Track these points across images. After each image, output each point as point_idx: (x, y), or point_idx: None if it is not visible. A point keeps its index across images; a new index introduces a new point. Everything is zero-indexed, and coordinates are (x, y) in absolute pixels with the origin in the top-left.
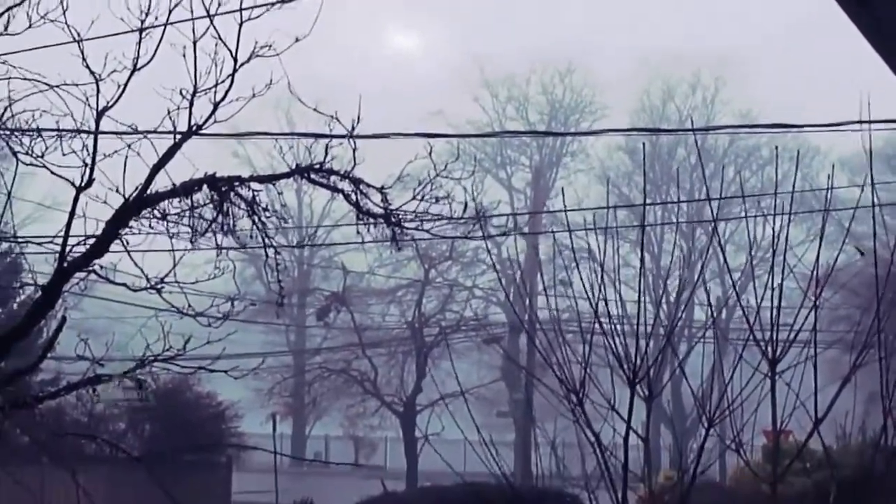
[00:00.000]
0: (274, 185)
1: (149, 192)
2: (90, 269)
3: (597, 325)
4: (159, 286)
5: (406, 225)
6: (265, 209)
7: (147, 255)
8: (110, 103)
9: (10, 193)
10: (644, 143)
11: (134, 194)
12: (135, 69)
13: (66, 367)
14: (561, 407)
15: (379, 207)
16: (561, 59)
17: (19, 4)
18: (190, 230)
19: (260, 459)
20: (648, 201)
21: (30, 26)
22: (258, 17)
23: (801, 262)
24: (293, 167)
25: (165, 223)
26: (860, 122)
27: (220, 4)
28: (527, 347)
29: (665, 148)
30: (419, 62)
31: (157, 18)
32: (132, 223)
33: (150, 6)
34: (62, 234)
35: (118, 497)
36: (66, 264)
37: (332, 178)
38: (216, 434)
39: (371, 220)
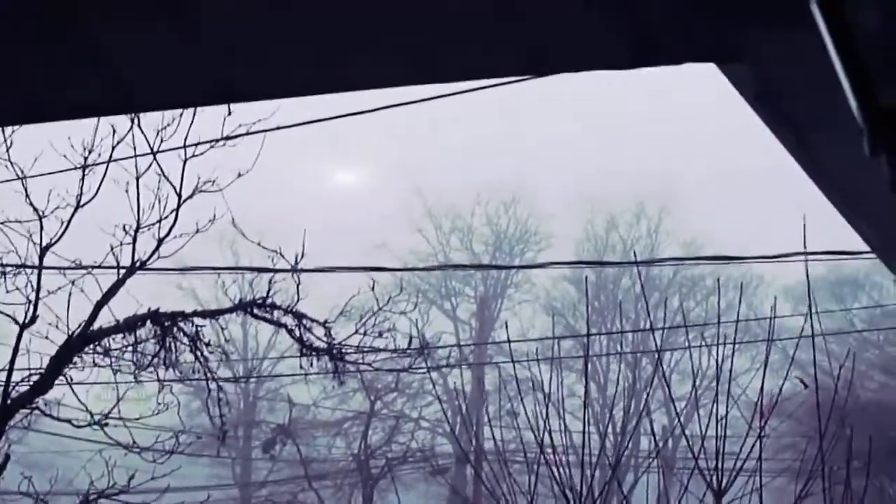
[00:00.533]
0: (217, 319)
1: (92, 328)
2: (34, 405)
3: (542, 456)
4: (103, 422)
5: (349, 358)
6: (208, 344)
7: (91, 389)
8: (54, 240)
9: None
10: (586, 276)
11: (77, 330)
12: (78, 206)
13: (10, 503)
14: None
15: (322, 341)
16: (505, 189)
17: None
18: (133, 365)
19: None
20: (593, 331)
21: None
22: (202, 154)
23: (746, 391)
24: (237, 302)
25: (109, 358)
26: (801, 253)
27: (162, 141)
28: (473, 478)
29: (610, 277)
30: (362, 196)
31: (99, 155)
32: (76, 359)
33: (93, 144)
34: (6, 370)
35: None
36: (9, 401)
37: (276, 312)
38: None
39: (314, 354)
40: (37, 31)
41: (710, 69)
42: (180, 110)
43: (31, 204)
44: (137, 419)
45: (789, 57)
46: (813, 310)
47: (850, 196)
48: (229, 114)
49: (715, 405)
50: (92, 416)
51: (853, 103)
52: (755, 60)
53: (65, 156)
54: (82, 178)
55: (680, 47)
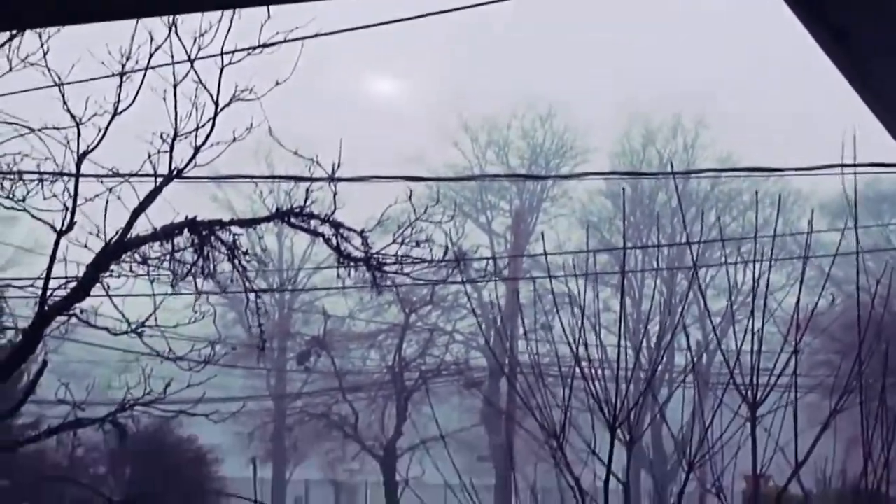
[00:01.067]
0: (254, 229)
1: (130, 236)
2: (71, 313)
3: (577, 370)
4: (140, 330)
5: (386, 269)
6: (245, 253)
7: (128, 298)
8: (91, 147)
9: None
10: (624, 188)
11: (115, 238)
12: (115, 113)
13: (47, 410)
14: (541, 451)
15: (359, 251)
16: (541, 103)
17: None
18: (170, 274)
19: None
20: (629, 245)
21: (10, 70)
22: (239, 61)
23: (782, 306)
24: (274, 211)
25: (146, 267)
26: (842, 165)
27: (199, 49)
28: (507, 392)
29: (646, 192)
30: (398, 107)
31: (137, 63)
32: (113, 267)
33: (130, 51)
34: (43, 277)
35: None
36: (46, 308)
37: (313, 222)
38: (197, 478)
39: (351, 264)
40: None
41: None
42: (219, 14)
43: (69, 110)
44: (174, 328)
45: None
46: (850, 225)
47: (893, 103)
48: (268, 17)
49: (750, 320)
50: (129, 324)
51: None
52: None
53: (102, 62)
54: (120, 85)
55: None
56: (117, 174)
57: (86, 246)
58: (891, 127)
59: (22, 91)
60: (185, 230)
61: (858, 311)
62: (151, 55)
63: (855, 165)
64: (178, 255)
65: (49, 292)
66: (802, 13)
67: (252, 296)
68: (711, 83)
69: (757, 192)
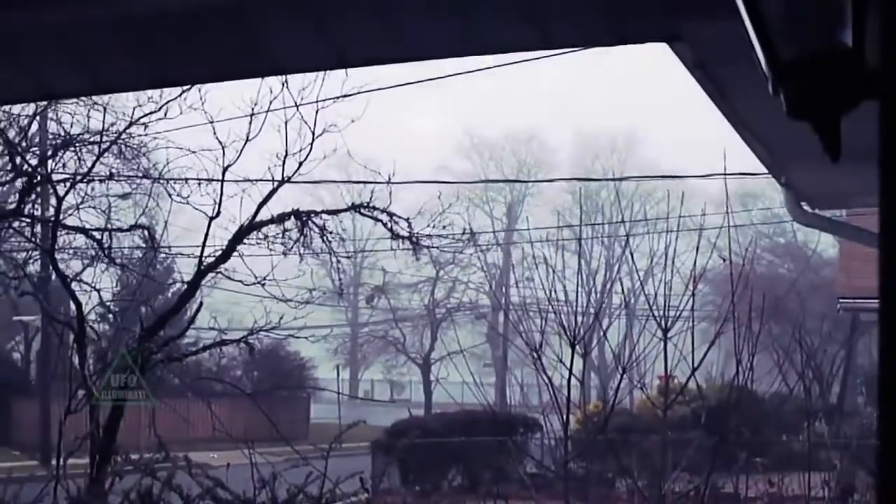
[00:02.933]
0: (337, 216)
1: (256, 221)
2: (218, 270)
3: (549, 307)
4: (262, 282)
5: (422, 242)
6: (331, 232)
7: (255, 261)
8: (232, 163)
9: (166, 222)
10: (580, 188)
11: (246, 223)
12: (247, 140)
13: (203, 334)
14: (527, 360)
15: (405, 231)
16: (525, 131)
17: (174, 100)
18: (282, 246)
19: (328, 396)
20: (583, 224)
21: (180, 113)
22: (328, 106)
23: (683, 264)
24: (350, 205)
25: (266, 241)
26: (724, 174)
27: (302, 98)
28: (503, 321)
29: (594, 191)
30: (431, 133)
31: (261, 107)
32: (245, 241)
33: (257, 98)
34: (200, 247)
35: (236, 420)
36: (202, 267)
37: (375, 211)
38: (300, 379)
39: (400, 239)
40: (212, 23)
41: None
42: (314, 76)
43: (217, 138)
44: (284, 280)
45: (718, 35)
46: (728, 210)
47: (756, 131)
48: (347, 76)
49: (663, 273)
50: (255, 278)
51: (762, 59)
52: (694, 40)
53: (238, 107)
54: (250, 122)
55: (633, 29)
56: (248, 180)
57: (227, 229)
58: (756, 151)
59: (187, 126)
60: (292, 217)
61: (731, 269)
62: (271, 102)
63: (730, 174)
64: (287, 234)
65: (204, 256)
66: (699, 76)
67: (334, 259)
68: (638, 114)
69: (668, 191)
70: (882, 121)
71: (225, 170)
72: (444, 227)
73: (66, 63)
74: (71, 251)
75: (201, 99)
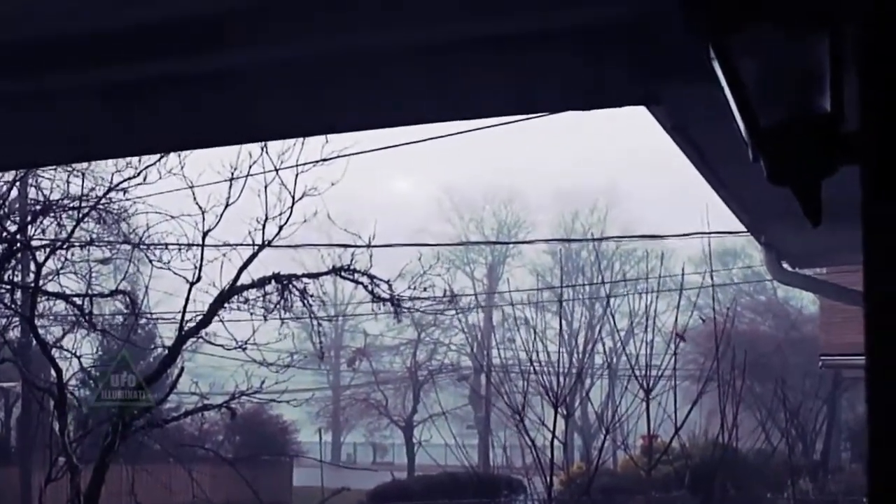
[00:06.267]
0: (318, 279)
1: (236, 285)
2: (199, 335)
3: (531, 368)
4: (244, 346)
5: (403, 305)
6: (311, 295)
7: (237, 325)
8: (212, 227)
9: (147, 287)
10: (560, 249)
11: (227, 287)
12: (227, 205)
13: (184, 399)
14: (509, 422)
15: (386, 294)
16: (505, 191)
17: (153, 165)
18: (263, 309)
19: (311, 461)
20: (564, 285)
21: (160, 178)
22: (307, 170)
23: (664, 324)
24: (330, 268)
25: (247, 305)
26: (701, 233)
27: (282, 162)
28: (485, 383)
29: (574, 251)
30: (409, 195)
31: (241, 171)
32: (226, 305)
33: (237, 163)
34: (181, 312)
35: (218, 486)
36: (183, 332)
37: (356, 274)
38: (283, 443)
39: (381, 302)
40: (191, 90)
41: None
42: (293, 141)
43: (197, 203)
44: (266, 344)
45: (696, 98)
46: (708, 269)
47: (736, 192)
48: (327, 141)
49: (645, 334)
50: (237, 342)
51: (741, 125)
52: (673, 102)
53: (218, 171)
54: (230, 187)
55: (609, 93)
56: (228, 245)
57: (207, 292)
58: (736, 211)
59: (167, 191)
60: (273, 280)
61: (715, 326)
62: (251, 166)
63: (710, 233)
64: (268, 297)
65: (185, 321)
66: (678, 139)
67: (315, 322)
68: (616, 179)
69: (647, 251)
70: (863, 184)
71: (205, 234)
72: (424, 289)
73: (51, 131)
74: (51, 317)
75: (181, 163)
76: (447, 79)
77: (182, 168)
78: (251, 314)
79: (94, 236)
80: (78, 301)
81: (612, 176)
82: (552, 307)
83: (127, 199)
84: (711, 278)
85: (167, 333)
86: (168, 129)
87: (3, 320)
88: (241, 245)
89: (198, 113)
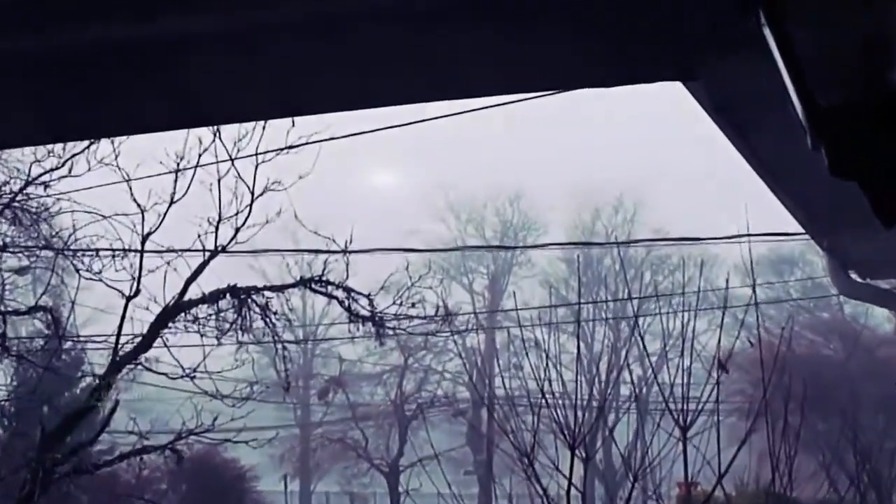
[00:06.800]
0: (283, 293)
1: (183, 300)
2: (137, 362)
3: (543, 400)
4: (192, 375)
5: (387, 324)
6: (275, 313)
7: (183, 349)
8: (153, 230)
9: (73, 302)
10: (578, 255)
11: (172, 302)
12: (172, 202)
13: (119, 440)
14: (515, 466)
15: (366, 310)
16: (511, 187)
17: (81, 153)
18: (216, 330)
19: None
20: (582, 300)
21: (89, 169)
22: (270, 160)
23: (705, 347)
24: (298, 279)
25: (197, 324)
26: (748, 235)
27: (238, 150)
28: (487, 419)
29: (595, 258)
30: (396, 192)
31: (188, 162)
32: (170, 325)
33: (184, 152)
34: (115, 334)
35: None
36: (118, 358)
37: (329, 287)
38: (239, 492)
39: (360, 321)
40: (138, 58)
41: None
42: (253, 125)
43: (135, 200)
44: (219, 372)
45: (740, 74)
46: (758, 282)
47: (790, 187)
48: (293, 126)
49: (680, 359)
50: (184, 370)
51: (798, 106)
52: (711, 79)
53: (161, 162)
54: (175, 180)
55: (646, 68)
56: (173, 250)
57: (147, 309)
58: (789, 206)
59: (98, 186)
60: (228, 294)
61: (760, 350)
62: (200, 156)
63: (759, 235)
64: (222, 315)
65: (120, 345)
66: (720, 121)
67: (280, 346)
68: (646, 168)
69: (683, 258)
70: None
71: (145, 238)
72: (413, 305)
73: None
74: None
75: (115, 152)
76: (446, 51)
77: (116, 158)
78: (201, 335)
79: (9, 240)
80: None
81: (641, 167)
82: (568, 327)
83: (49, 195)
84: (754, 290)
85: (98, 359)
86: (98, 109)
87: None
88: (190, 251)
89: (134, 89)
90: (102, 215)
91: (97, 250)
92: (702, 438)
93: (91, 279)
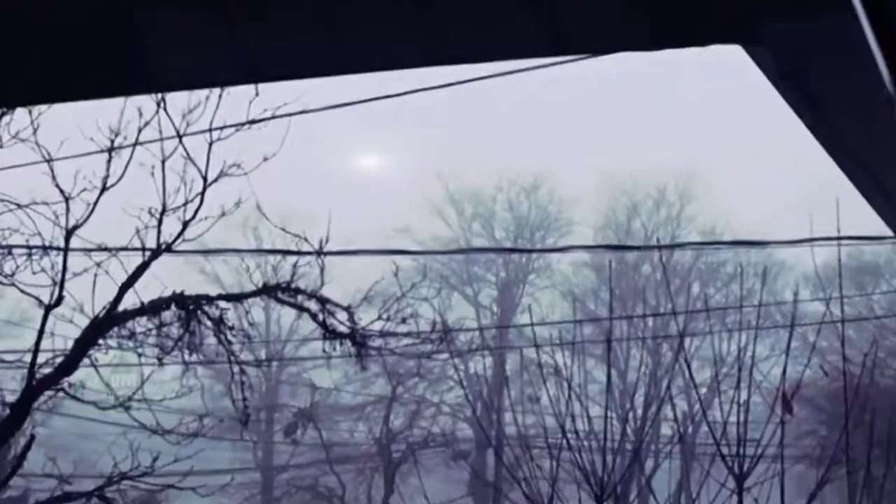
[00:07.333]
0: (241, 303)
1: (117, 310)
2: (59, 387)
3: (564, 441)
4: (127, 404)
5: (371, 343)
6: (231, 328)
7: (115, 371)
8: (80, 222)
9: None
10: (609, 261)
11: (102, 313)
12: (104, 188)
13: (35, 484)
14: None
15: (345, 326)
16: (526, 175)
17: None
18: (157, 348)
19: None
20: (614, 316)
21: (0, 146)
22: (228, 137)
23: (767, 377)
24: (260, 286)
25: (133, 341)
26: (825, 238)
27: (188, 124)
28: (494, 463)
29: (630, 265)
30: (384, 180)
31: (125, 138)
32: (101, 341)
33: (119, 127)
34: (31, 351)
35: None
36: (34, 382)
37: (300, 297)
38: None
39: (337, 339)
40: (62, 8)
41: (733, 50)
42: (206, 93)
43: (58, 186)
44: (161, 402)
45: (812, 39)
46: (835, 295)
47: (876, 176)
48: (256, 95)
49: (736, 391)
50: (116, 398)
51: (885, 74)
52: (778, 43)
53: (91, 138)
54: (108, 161)
55: (703, 29)
56: (105, 249)
57: (72, 321)
58: (871, 196)
59: (11, 167)
60: (173, 304)
61: (845, 381)
62: (140, 131)
63: (842, 238)
64: (165, 330)
65: (37, 366)
66: (788, 94)
67: (237, 369)
68: (695, 158)
69: (741, 265)
70: None
71: (70, 233)
72: (403, 321)
73: None
74: None
75: (33, 125)
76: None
77: (35, 132)
78: (139, 355)
79: None
80: None
81: (688, 154)
82: (597, 349)
83: None
84: (842, 306)
85: (9, 384)
86: (15, 69)
87: None
88: (126, 249)
89: (64, 46)
90: (17, 203)
91: (9, 247)
92: (762, 490)
93: (1, 283)
